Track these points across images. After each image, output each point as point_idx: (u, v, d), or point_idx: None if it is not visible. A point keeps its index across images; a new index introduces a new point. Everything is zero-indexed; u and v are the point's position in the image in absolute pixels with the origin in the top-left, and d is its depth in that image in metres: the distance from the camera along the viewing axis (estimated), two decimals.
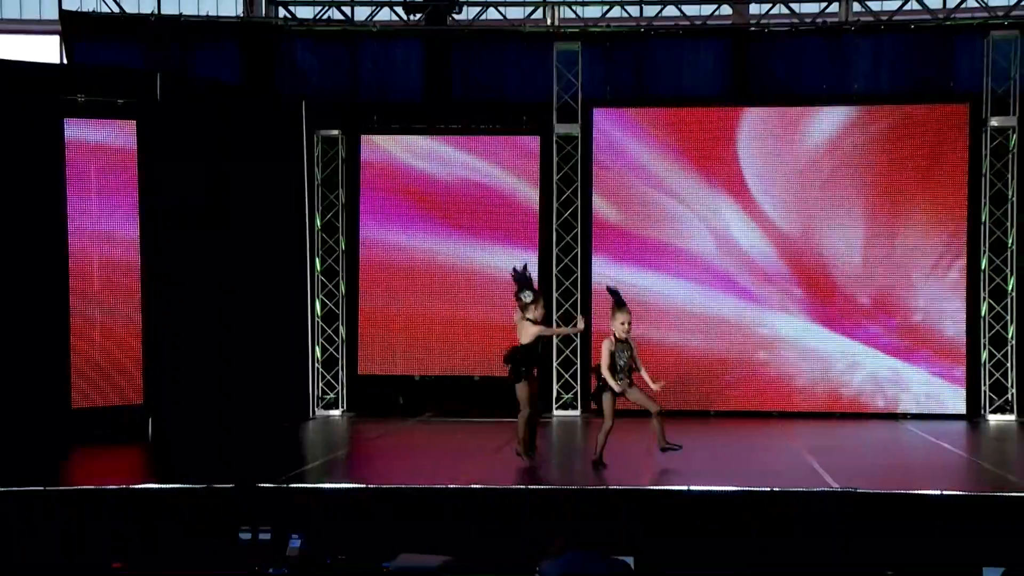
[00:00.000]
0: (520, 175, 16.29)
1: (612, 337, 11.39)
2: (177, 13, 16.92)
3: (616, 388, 11.28)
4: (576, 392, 16.08)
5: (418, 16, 16.80)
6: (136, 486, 10.21)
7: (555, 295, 16.07)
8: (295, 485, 10.25)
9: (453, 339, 16.29)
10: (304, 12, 17.06)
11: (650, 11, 16.75)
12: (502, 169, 16.30)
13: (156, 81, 13.91)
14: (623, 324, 11.33)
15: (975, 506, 9.60)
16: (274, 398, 15.21)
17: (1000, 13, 15.96)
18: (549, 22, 16.87)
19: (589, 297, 16.10)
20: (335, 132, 16.33)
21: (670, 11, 16.65)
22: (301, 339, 15.90)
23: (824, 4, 16.37)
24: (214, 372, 14.25)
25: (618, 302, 11.47)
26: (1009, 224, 15.54)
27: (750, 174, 15.92)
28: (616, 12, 16.83)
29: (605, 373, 11.29)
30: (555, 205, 16.11)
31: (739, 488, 9.96)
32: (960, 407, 15.62)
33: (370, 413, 16.10)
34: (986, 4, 16.11)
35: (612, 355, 11.30)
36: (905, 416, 15.55)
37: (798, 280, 15.84)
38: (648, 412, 11.53)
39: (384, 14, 16.93)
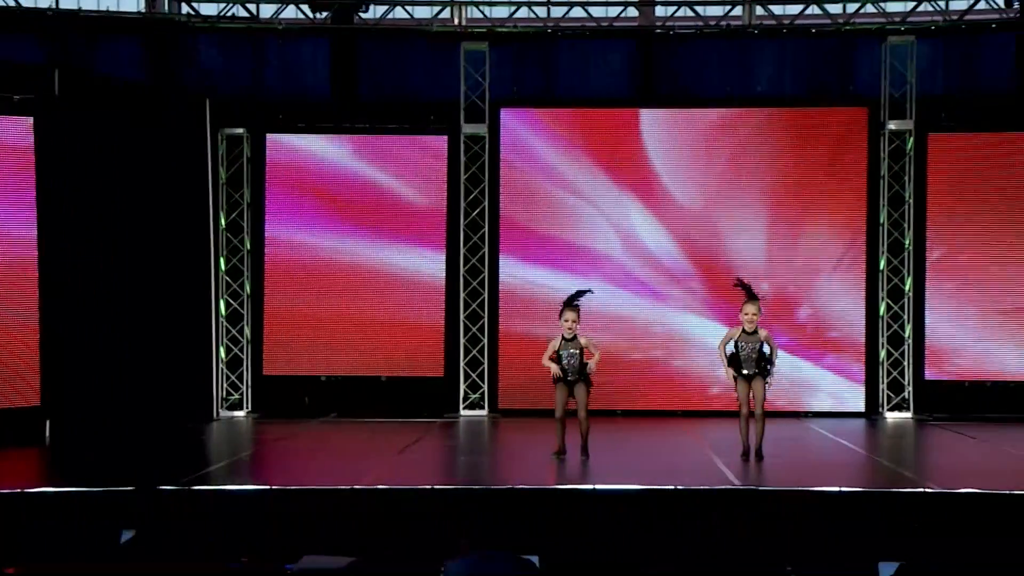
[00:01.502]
0: (427, 175, 16.26)
1: (741, 328, 11.64)
2: (76, 7, 16.57)
3: (726, 374, 11.72)
4: (483, 392, 16.09)
5: (324, 14, 16.67)
6: (32, 490, 9.98)
7: (463, 295, 16.07)
8: (198, 487, 10.11)
9: (360, 339, 16.20)
10: (208, 8, 16.82)
11: (557, 12, 16.81)
12: (409, 169, 16.25)
13: (54, 76, 13.62)
14: (746, 315, 11.54)
15: (872, 502, 9.78)
16: (177, 399, 15.00)
17: (897, 19, 16.30)
18: (457, 22, 16.85)
19: (497, 297, 16.13)
20: (240, 131, 16.16)
21: (577, 12, 16.74)
22: (205, 339, 15.70)
23: (728, 7, 16.57)
24: (115, 373, 14.01)
25: (748, 294, 11.66)
26: (906, 226, 15.90)
27: (656, 174, 16.08)
28: (523, 12, 16.87)
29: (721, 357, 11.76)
30: (463, 205, 16.11)
31: (644, 487, 10.02)
32: (859, 405, 15.94)
33: (275, 414, 15.96)
34: (884, 10, 16.45)
35: (735, 344, 11.59)
36: (806, 414, 15.81)
37: (702, 280, 16.03)
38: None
39: (290, 12, 16.77)
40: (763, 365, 11.64)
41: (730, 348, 11.78)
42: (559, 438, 11.78)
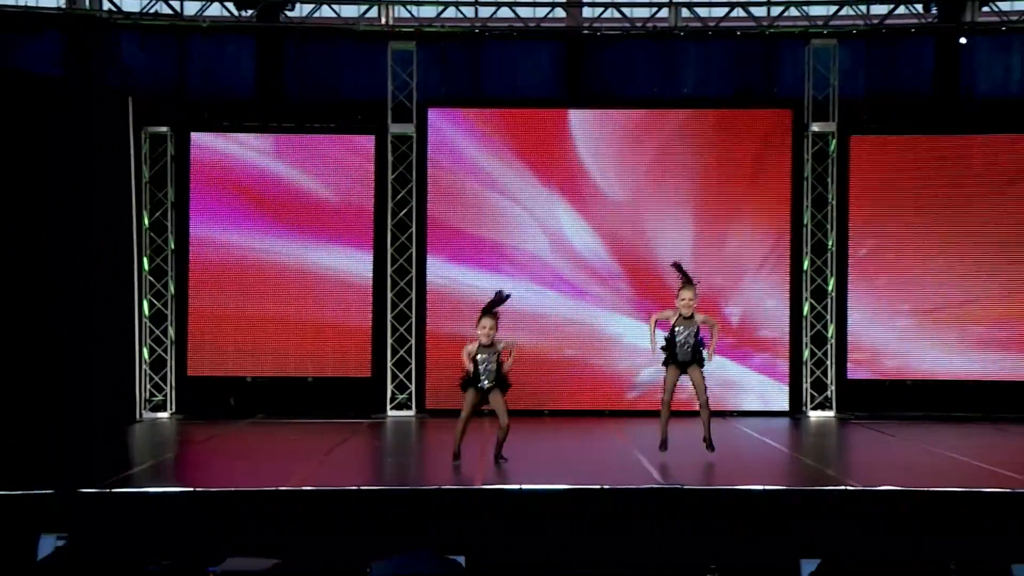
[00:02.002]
0: (354, 174, 16.19)
1: (677, 313, 11.37)
2: None
3: (656, 352, 11.43)
4: (411, 392, 16.06)
5: (250, 12, 16.51)
6: None
7: (390, 295, 16.03)
8: (119, 489, 9.97)
9: (286, 340, 16.09)
10: (130, 5, 16.60)
11: (485, 12, 16.81)
12: (336, 168, 16.17)
13: None
14: (683, 300, 11.29)
15: (795, 500, 9.91)
16: (99, 401, 14.75)
17: (820, 22, 16.51)
18: (384, 21, 16.79)
19: (424, 297, 16.09)
20: (164, 129, 15.99)
21: (505, 13, 16.74)
22: (127, 340, 15.49)
23: (654, 9, 16.69)
24: (34, 374, 13.75)
25: (685, 279, 11.40)
26: (829, 227, 16.13)
27: (583, 175, 16.15)
28: (451, 12, 16.83)
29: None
30: (390, 205, 16.06)
31: (570, 486, 10.06)
32: (783, 404, 16.13)
33: (200, 415, 15.80)
34: (807, 13, 16.65)
35: (672, 329, 11.33)
36: (731, 413, 15.95)
37: (629, 279, 16.12)
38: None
39: (214, 9, 16.59)
40: (698, 354, 11.45)
41: (662, 337, 11.58)
42: (456, 442, 11.43)
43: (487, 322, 11.31)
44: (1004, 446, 13.69)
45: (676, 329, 11.44)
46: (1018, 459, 12.48)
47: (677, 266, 11.75)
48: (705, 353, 11.53)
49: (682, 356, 11.45)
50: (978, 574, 8.04)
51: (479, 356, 11.33)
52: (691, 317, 11.42)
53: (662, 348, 11.62)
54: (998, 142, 16.10)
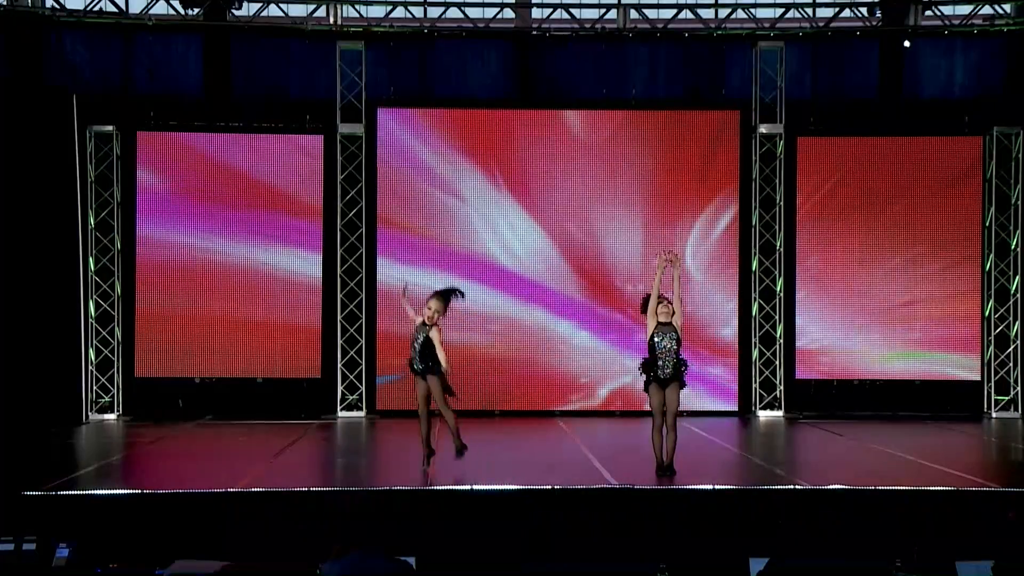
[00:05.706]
0: (303, 174, 16.10)
1: (656, 321, 10.86)
2: None
3: (658, 373, 10.79)
4: (361, 393, 16.00)
5: (196, 10, 16.37)
6: None
7: (340, 296, 15.96)
8: (64, 492, 9.85)
9: (235, 341, 15.98)
10: (74, 2, 16.42)
11: (434, 12, 16.79)
12: (285, 168, 16.08)
13: None
14: (662, 307, 10.85)
15: (744, 499, 9.97)
16: (43, 403, 14.58)
17: (767, 25, 16.64)
18: (332, 21, 16.71)
19: (374, 298, 16.04)
20: (109, 128, 15.82)
21: (454, 13, 16.73)
22: (73, 341, 15.31)
23: (603, 11, 16.74)
24: None
25: (660, 298, 10.96)
26: (777, 227, 16.24)
27: (533, 176, 16.16)
28: (400, 12, 16.80)
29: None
30: (339, 205, 15.99)
31: (520, 487, 10.06)
32: (733, 404, 16.23)
33: (148, 417, 15.64)
34: (754, 16, 16.77)
35: (651, 337, 10.86)
36: (681, 413, 15.95)
37: (579, 280, 16.16)
38: None
39: (160, 7, 16.45)
40: (680, 367, 10.88)
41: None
42: (423, 441, 11.02)
43: (434, 304, 10.82)
44: (949, 445, 13.85)
45: (655, 336, 10.85)
46: (963, 458, 12.66)
47: (660, 296, 11.08)
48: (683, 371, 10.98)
49: (663, 372, 10.82)
50: (923, 572, 8.12)
51: (415, 332, 10.83)
52: (669, 323, 10.91)
53: (642, 368, 11.01)
54: (940, 143, 16.29)
